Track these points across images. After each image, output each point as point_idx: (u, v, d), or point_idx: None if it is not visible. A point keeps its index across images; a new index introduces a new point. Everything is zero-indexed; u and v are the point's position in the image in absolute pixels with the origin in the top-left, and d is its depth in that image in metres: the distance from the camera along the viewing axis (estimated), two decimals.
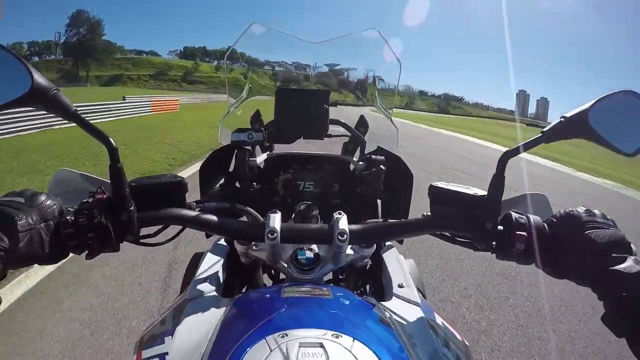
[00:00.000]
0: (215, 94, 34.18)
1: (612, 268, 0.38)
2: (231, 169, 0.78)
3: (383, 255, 0.69)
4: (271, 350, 0.32)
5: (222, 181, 0.77)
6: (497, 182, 0.46)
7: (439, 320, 0.52)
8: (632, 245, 0.40)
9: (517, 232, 0.44)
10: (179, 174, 0.51)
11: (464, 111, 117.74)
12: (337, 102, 1.03)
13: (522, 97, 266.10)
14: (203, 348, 0.39)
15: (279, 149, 0.87)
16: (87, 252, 0.43)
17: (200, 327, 0.45)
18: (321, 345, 0.32)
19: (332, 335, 0.34)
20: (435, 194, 0.51)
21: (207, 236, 0.64)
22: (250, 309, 0.44)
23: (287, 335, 0.33)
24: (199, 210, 0.51)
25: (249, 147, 0.70)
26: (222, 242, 0.72)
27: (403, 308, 0.52)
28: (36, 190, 0.43)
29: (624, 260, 0.38)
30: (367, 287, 0.73)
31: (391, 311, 0.50)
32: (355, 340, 0.33)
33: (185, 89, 61.15)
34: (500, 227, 0.46)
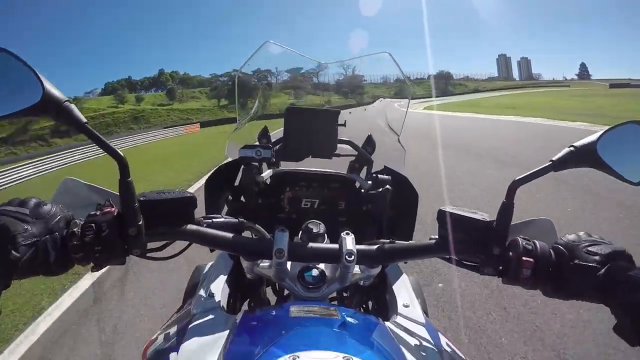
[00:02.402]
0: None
1: (619, 278, 0.46)
2: (236, 183, 0.91)
3: (387, 274, 0.81)
4: None
5: (228, 196, 0.89)
6: (506, 208, 0.55)
7: (443, 340, 0.61)
8: (632, 257, 0.50)
9: (524, 258, 0.52)
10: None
11: (467, 88, 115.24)
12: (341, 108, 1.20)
13: (504, 61, 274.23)
14: None
15: (285, 165, 1.01)
16: (92, 264, 0.50)
17: (207, 344, 0.53)
18: None
19: (343, 357, 0.40)
20: (444, 218, 0.59)
21: (211, 250, 0.71)
22: (259, 328, 0.51)
23: (298, 358, 0.39)
24: (206, 226, 0.61)
25: (256, 163, 0.82)
26: (226, 255, 0.83)
27: (408, 328, 0.62)
28: (41, 199, 0.50)
29: (629, 269, 0.47)
30: (370, 304, 0.87)
31: (397, 331, 0.60)
32: None
33: (56, 147, 41.19)
34: (508, 253, 0.55)
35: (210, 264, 0.85)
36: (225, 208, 0.89)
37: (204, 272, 0.82)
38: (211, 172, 0.91)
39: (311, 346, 0.41)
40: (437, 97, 74.22)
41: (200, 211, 0.64)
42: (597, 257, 0.49)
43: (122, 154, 0.49)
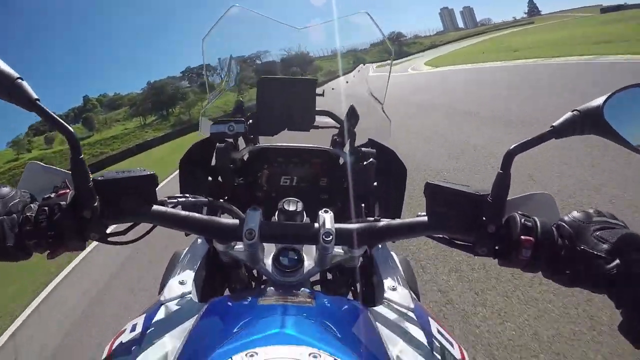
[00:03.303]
0: None
1: (630, 271, 0.42)
2: (213, 162, 0.91)
3: (374, 254, 0.80)
4: None
5: (207, 176, 0.87)
6: (502, 180, 0.52)
7: (433, 326, 0.59)
8: None
9: (523, 237, 0.49)
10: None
11: (424, 45, 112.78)
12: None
13: (447, 14, 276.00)
14: None
15: (264, 141, 1.01)
16: (48, 251, 0.50)
17: (172, 334, 0.51)
18: None
19: (309, 355, 0.36)
20: (433, 193, 0.57)
21: (187, 234, 0.70)
22: (222, 319, 0.49)
23: (256, 355, 0.35)
24: (171, 207, 0.60)
25: (230, 140, 0.81)
26: (203, 239, 0.82)
27: (395, 314, 0.60)
28: (1, 183, 0.51)
29: None
30: (357, 287, 0.86)
31: (382, 318, 0.58)
32: None
33: None
34: (505, 231, 0.54)
35: (187, 249, 0.85)
36: (201, 188, 0.87)
37: (180, 258, 0.80)
38: (185, 151, 0.91)
39: (274, 340, 0.39)
40: (395, 59, 68.83)
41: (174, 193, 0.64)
42: (607, 246, 0.45)
43: (72, 129, 0.49)
